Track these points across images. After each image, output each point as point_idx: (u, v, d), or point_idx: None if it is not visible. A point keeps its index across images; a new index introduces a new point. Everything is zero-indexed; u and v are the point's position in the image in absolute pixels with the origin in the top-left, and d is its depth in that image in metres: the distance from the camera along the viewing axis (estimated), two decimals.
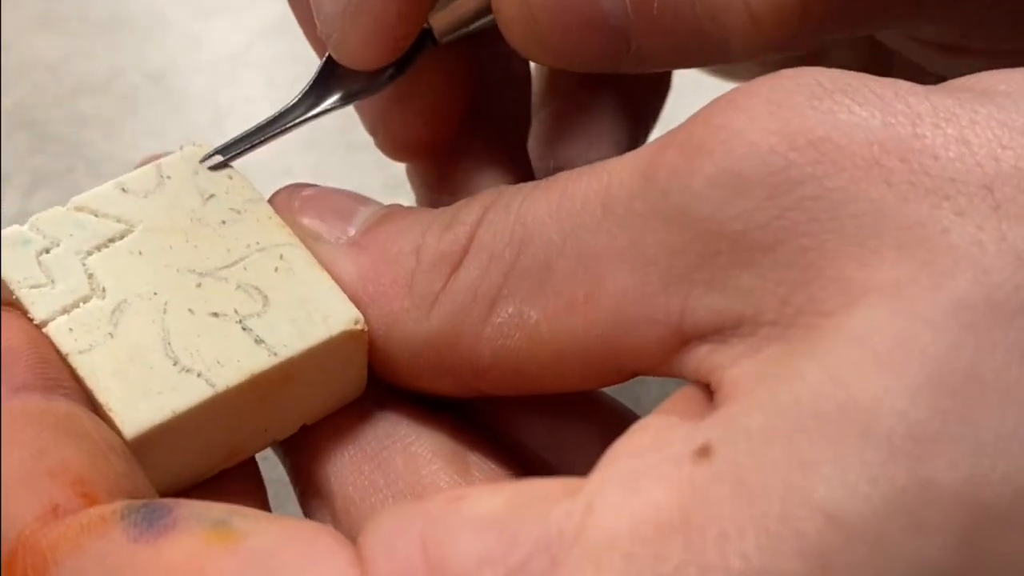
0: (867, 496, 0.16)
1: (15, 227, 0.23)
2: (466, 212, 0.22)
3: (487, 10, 0.26)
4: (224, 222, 0.24)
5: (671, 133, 0.20)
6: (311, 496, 0.24)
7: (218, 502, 0.19)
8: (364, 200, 0.25)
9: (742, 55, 0.24)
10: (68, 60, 0.49)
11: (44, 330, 0.22)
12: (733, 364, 0.19)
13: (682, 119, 0.20)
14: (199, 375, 0.22)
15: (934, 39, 0.26)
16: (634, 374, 0.21)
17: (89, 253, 0.23)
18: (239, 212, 0.24)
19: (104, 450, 0.20)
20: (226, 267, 0.23)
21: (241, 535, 0.18)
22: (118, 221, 0.24)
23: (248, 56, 0.50)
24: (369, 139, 0.29)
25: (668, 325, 0.19)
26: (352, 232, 0.24)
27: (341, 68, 0.26)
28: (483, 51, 0.28)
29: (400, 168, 0.30)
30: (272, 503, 0.24)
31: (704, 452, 0.17)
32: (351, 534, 0.19)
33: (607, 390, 0.24)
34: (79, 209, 0.24)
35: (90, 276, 0.23)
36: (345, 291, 0.23)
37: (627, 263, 0.20)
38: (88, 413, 0.21)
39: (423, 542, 0.17)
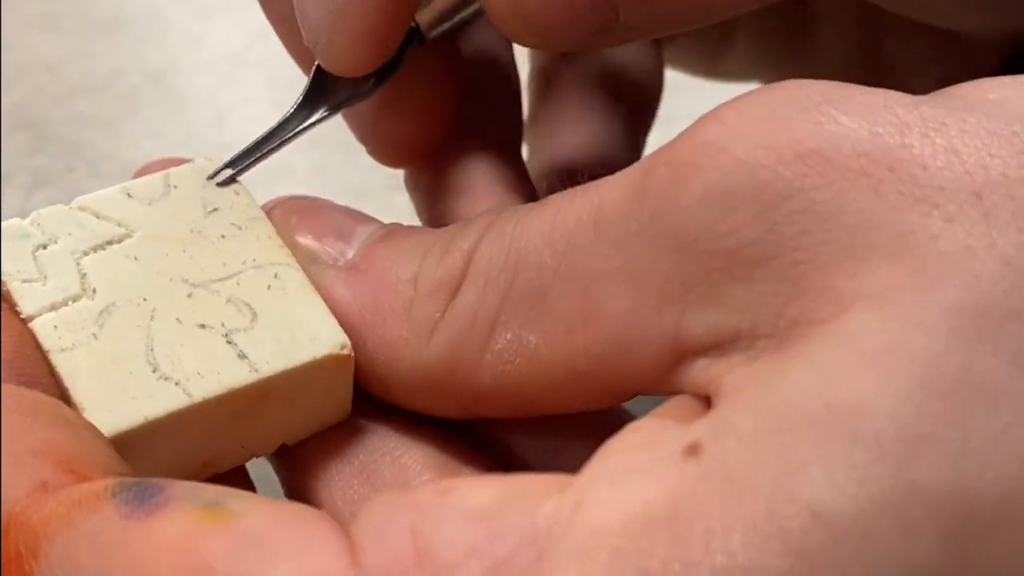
0: (854, 496, 0.16)
1: (15, 220, 0.23)
2: (462, 238, 0.22)
3: None
4: (223, 236, 0.24)
5: (660, 151, 0.20)
6: None
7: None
8: (362, 219, 0.25)
9: (726, 10, 0.24)
10: (68, 60, 0.49)
11: (30, 325, 0.22)
12: (729, 373, 0.19)
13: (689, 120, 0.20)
14: (177, 384, 0.22)
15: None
16: (634, 393, 0.21)
17: (85, 253, 0.23)
18: (240, 228, 0.24)
19: (87, 434, 0.20)
20: (219, 280, 0.23)
21: (233, 515, 0.18)
22: (119, 225, 0.24)
23: (248, 56, 0.50)
24: None
25: (665, 343, 0.20)
26: (350, 255, 0.24)
27: (331, 76, 0.26)
28: (470, 50, 0.28)
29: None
30: None
31: (693, 450, 0.17)
32: None
33: None
34: (81, 209, 0.24)
35: (83, 276, 0.23)
36: (343, 317, 0.23)
37: (622, 284, 0.20)
38: (66, 405, 0.21)
39: (412, 531, 0.18)
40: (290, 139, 0.26)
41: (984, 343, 0.17)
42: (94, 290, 0.23)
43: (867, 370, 0.17)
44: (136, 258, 0.23)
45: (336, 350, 0.23)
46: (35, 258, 0.23)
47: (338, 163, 0.44)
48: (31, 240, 0.23)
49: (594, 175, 0.21)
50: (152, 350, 0.22)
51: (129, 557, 0.18)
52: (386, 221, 0.26)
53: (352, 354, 0.23)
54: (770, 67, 0.36)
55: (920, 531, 0.16)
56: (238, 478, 0.23)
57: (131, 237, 0.24)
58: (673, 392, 0.20)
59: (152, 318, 0.23)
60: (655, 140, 0.45)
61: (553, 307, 0.21)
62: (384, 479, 0.23)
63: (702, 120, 0.20)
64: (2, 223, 0.23)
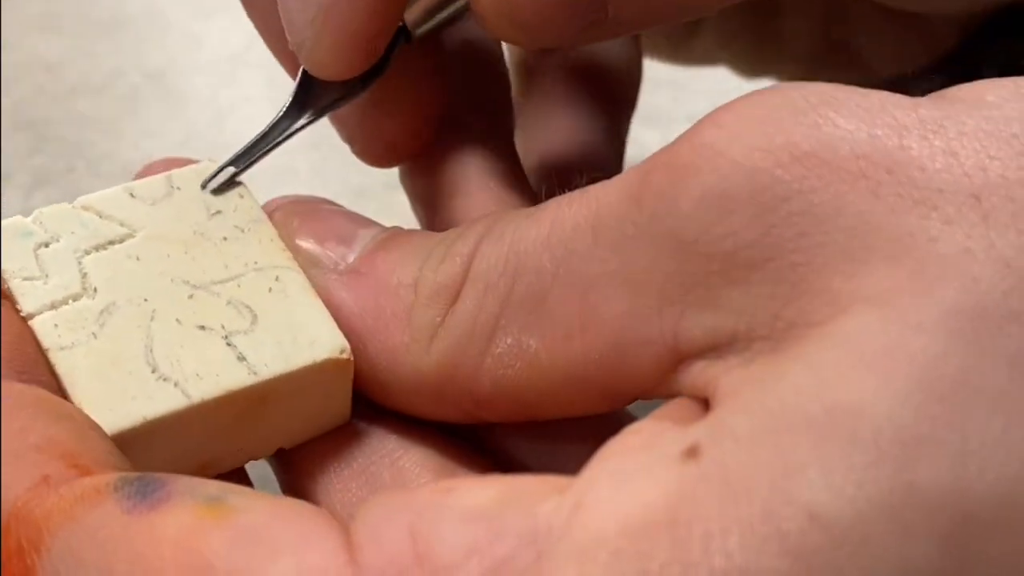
0: (852, 498, 0.16)
1: (18, 218, 0.23)
2: (462, 243, 0.22)
3: None
4: (226, 238, 0.24)
5: (658, 154, 0.20)
6: None
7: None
8: (362, 222, 0.25)
9: (714, 5, 0.23)
10: (68, 60, 0.49)
11: (30, 323, 0.22)
12: (726, 375, 0.19)
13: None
14: (176, 385, 0.22)
15: None
16: (634, 397, 0.21)
17: (87, 252, 0.23)
18: (243, 231, 0.24)
19: (88, 430, 0.20)
20: (220, 282, 0.23)
21: (234, 511, 0.18)
22: (121, 225, 0.24)
23: (248, 56, 0.50)
24: None
25: (664, 346, 0.20)
26: (351, 259, 0.24)
27: (316, 80, 0.26)
28: (456, 46, 0.28)
29: None
30: None
31: (692, 452, 0.17)
32: None
33: None
34: (84, 208, 0.24)
35: (84, 275, 0.23)
36: (344, 322, 0.23)
37: (620, 287, 0.20)
38: (68, 402, 0.21)
39: (411, 531, 0.18)
40: (279, 143, 0.26)
41: (983, 345, 0.17)
42: (95, 289, 0.23)
43: (865, 372, 0.17)
44: (138, 258, 0.23)
45: (336, 354, 0.23)
46: (36, 256, 0.23)
47: (339, 163, 0.44)
48: (33, 238, 0.23)
49: (591, 179, 0.21)
50: (152, 350, 0.22)
51: (130, 551, 0.18)
52: (387, 221, 0.26)
53: (352, 358, 0.23)
54: (737, 51, 0.36)
55: (918, 533, 0.16)
56: (237, 478, 0.23)
57: (133, 237, 0.24)
58: (672, 396, 0.20)
59: (152, 318, 0.23)
60: (655, 140, 0.45)
61: (552, 311, 0.21)
62: (383, 482, 0.23)
63: (700, 123, 0.20)
64: (3, 221, 0.23)
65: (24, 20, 0.51)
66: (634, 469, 0.18)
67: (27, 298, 0.22)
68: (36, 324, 0.22)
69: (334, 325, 0.23)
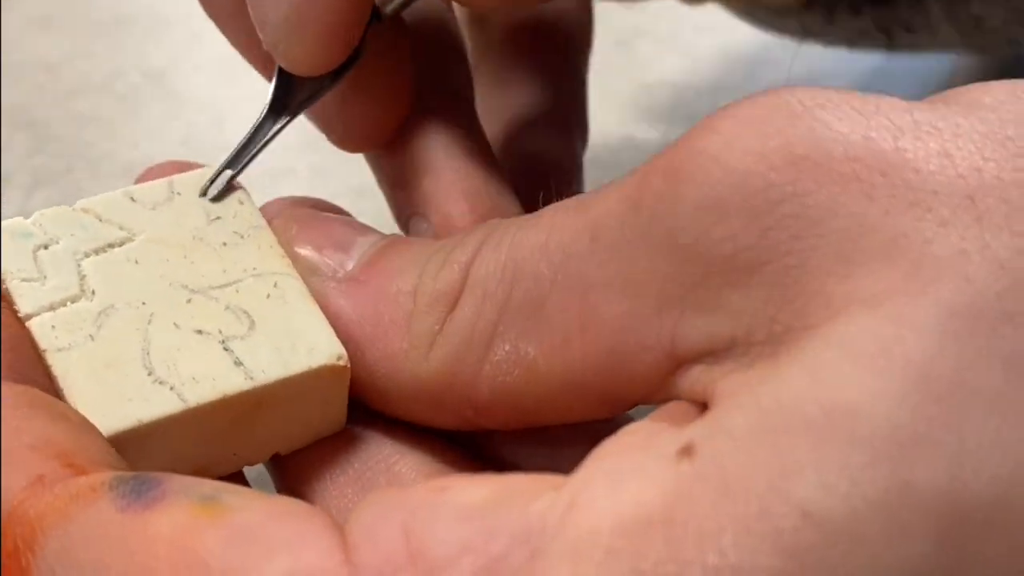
0: (847, 497, 0.16)
1: (18, 219, 0.24)
2: (460, 250, 0.22)
3: None
4: (225, 244, 0.24)
5: (654, 159, 0.20)
6: None
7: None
8: (361, 229, 0.25)
9: None
10: (68, 60, 0.49)
11: (27, 324, 0.22)
12: (723, 378, 0.19)
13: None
14: (172, 388, 0.22)
15: None
16: (633, 403, 0.21)
17: (86, 255, 0.23)
18: (242, 237, 0.24)
19: (83, 430, 0.20)
20: (219, 287, 0.23)
21: (229, 510, 0.18)
22: (120, 228, 0.24)
23: None
24: None
25: (662, 350, 0.20)
26: (350, 266, 0.24)
27: (293, 77, 0.26)
28: (414, 25, 0.28)
29: None
30: None
31: (687, 451, 0.17)
32: None
33: None
34: (84, 211, 0.24)
35: (82, 277, 0.23)
36: (343, 329, 0.23)
37: (618, 292, 0.20)
38: (63, 402, 0.21)
39: (405, 530, 0.18)
40: (266, 144, 0.26)
41: (978, 346, 0.17)
42: (93, 292, 0.23)
43: (861, 372, 0.17)
44: (137, 262, 0.23)
45: (333, 361, 0.23)
46: (35, 257, 0.23)
47: (338, 163, 0.44)
48: (32, 239, 0.23)
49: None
50: (148, 354, 0.22)
51: (125, 550, 0.18)
52: (387, 220, 0.26)
53: (348, 366, 0.23)
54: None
55: (914, 533, 0.16)
56: (233, 480, 0.23)
57: (132, 241, 0.24)
58: (671, 400, 0.20)
59: (150, 322, 0.23)
60: (655, 140, 0.45)
61: (550, 318, 0.21)
62: (379, 487, 0.23)
63: (696, 128, 0.20)
64: (3, 222, 0.23)
65: (24, 20, 0.51)
66: (629, 468, 0.18)
67: (25, 299, 0.22)
68: (34, 325, 0.22)
69: (332, 332, 0.23)
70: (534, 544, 0.17)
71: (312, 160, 0.44)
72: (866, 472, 0.16)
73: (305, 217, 0.25)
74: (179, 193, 0.25)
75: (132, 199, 0.24)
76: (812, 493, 0.16)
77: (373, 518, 0.18)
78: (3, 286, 0.23)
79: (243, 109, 0.47)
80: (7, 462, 0.19)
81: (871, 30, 0.36)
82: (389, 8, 0.26)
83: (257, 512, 0.18)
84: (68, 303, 0.23)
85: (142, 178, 0.26)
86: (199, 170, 0.25)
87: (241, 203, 0.25)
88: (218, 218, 0.25)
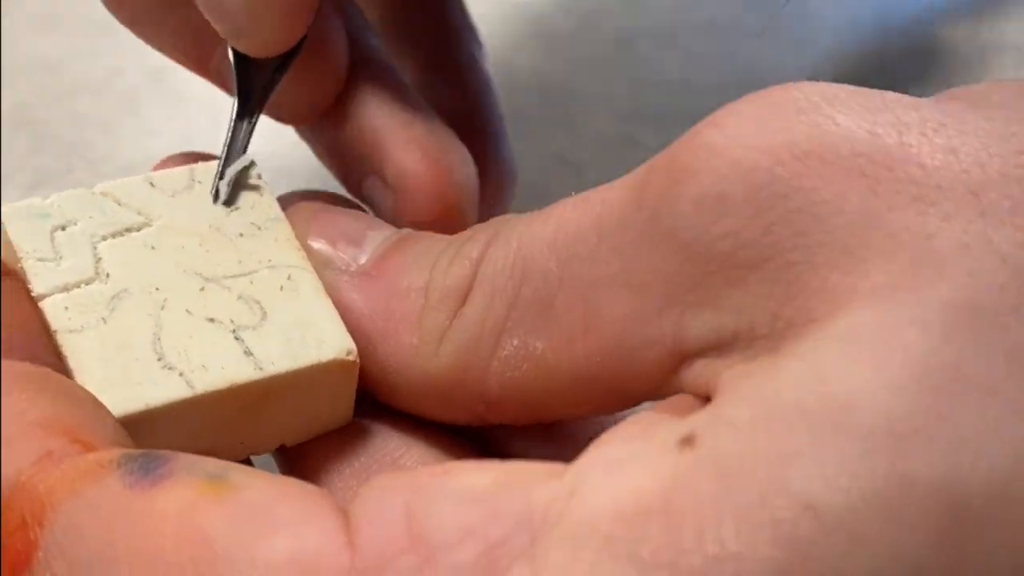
0: (845, 488, 0.16)
1: (36, 199, 0.24)
2: (470, 246, 0.23)
3: None
4: (242, 235, 0.24)
5: (659, 156, 0.20)
6: None
7: None
8: (374, 223, 0.25)
9: None
10: (68, 60, 0.49)
11: (40, 304, 0.22)
12: (727, 371, 0.19)
13: None
14: (181, 374, 0.22)
15: None
16: (641, 399, 0.21)
17: (103, 238, 0.24)
18: (259, 228, 0.25)
19: (92, 408, 0.20)
20: (233, 277, 0.24)
21: (234, 488, 0.18)
22: (138, 213, 0.24)
23: None
24: None
25: (666, 346, 0.20)
26: (362, 260, 0.24)
27: (247, 67, 0.26)
28: None
29: None
30: None
31: (688, 441, 0.17)
32: None
33: None
34: (103, 194, 0.24)
35: (98, 260, 0.23)
36: (354, 323, 0.23)
37: (623, 289, 0.20)
38: (70, 380, 0.21)
39: (407, 513, 0.18)
40: (248, 138, 0.26)
41: (979, 339, 0.17)
42: (107, 275, 0.23)
43: (860, 364, 0.17)
44: (153, 247, 0.24)
45: (342, 355, 0.23)
46: (52, 238, 0.23)
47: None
48: (50, 220, 0.24)
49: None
50: (160, 339, 0.22)
51: (131, 527, 0.18)
52: None
53: (358, 361, 0.23)
54: None
55: (911, 524, 0.16)
56: None
57: (150, 226, 0.24)
58: (676, 394, 0.20)
59: (163, 308, 0.23)
60: (655, 140, 0.45)
61: (558, 314, 0.21)
62: None
63: (701, 124, 0.20)
64: (22, 202, 0.24)
65: (24, 20, 0.51)
66: (630, 457, 0.18)
67: (39, 279, 0.23)
68: (47, 305, 0.22)
69: (343, 327, 0.23)
70: (535, 530, 0.17)
71: (311, 160, 0.44)
72: (865, 463, 0.16)
73: (319, 210, 0.25)
74: (200, 182, 0.25)
75: (152, 185, 0.25)
76: (811, 484, 0.16)
77: (376, 501, 0.18)
78: (18, 265, 0.23)
79: None
80: (16, 438, 0.19)
81: None
82: None
83: (262, 491, 0.18)
84: (82, 285, 0.23)
85: (161, 166, 0.26)
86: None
87: (260, 195, 0.25)
88: (237, 208, 0.25)
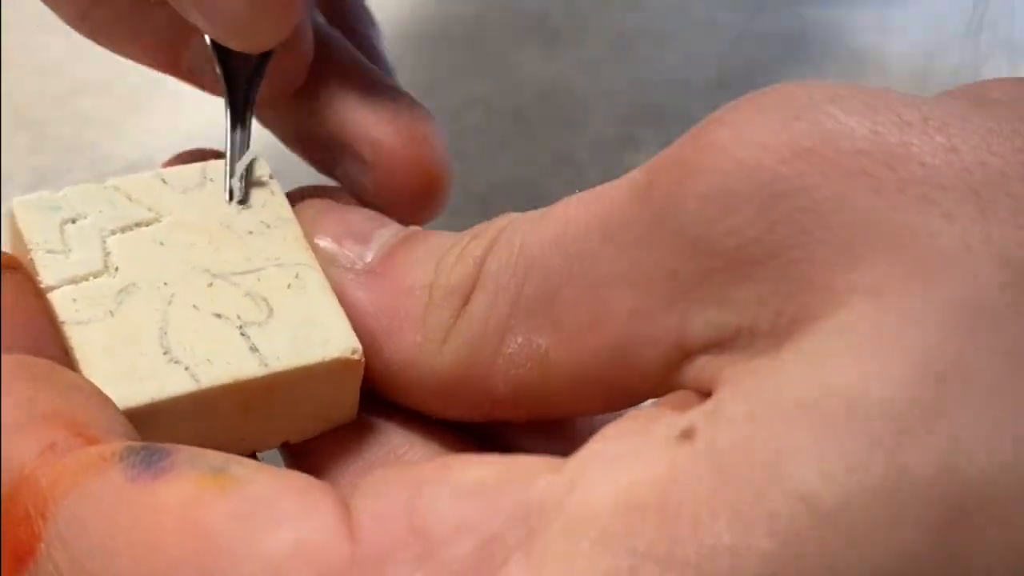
0: (842, 483, 0.16)
1: (47, 192, 0.24)
2: (475, 244, 0.23)
3: None
4: (251, 232, 0.24)
5: (664, 153, 0.20)
6: None
7: None
8: (380, 221, 0.25)
9: None
10: (68, 60, 0.49)
11: (48, 296, 0.22)
12: (729, 367, 0.19)
13: None
14: (186, 369, 0.22)
15: None
16: (645, 396, 0.21)
17: (112, 232, 0.24)
18: (268, 226, 0.25)
19: (96, 400, 0.20)
20: (241, 273, 0.24)
21: (236, 482, 0.18)
22: (149, 209, 0.24)
23: None
24: None
25: (670, 343, 0.20)
26: (368, 258, 0.24)
27: (232, 66, 0.26)
28: None
29: None
30: None
31: (687, 435, 0.18)
32: None
33: None
34: (115, 188, 0.24)
35: (107, 254, 0.23)
36: (360, 321, 0.23)
37: (627, 285, 0.20)
38: (75, 372, 0.21)
39: (407, 506, 0.18)
40: (248, 137, 0.26)
41: (978, 337, 0.17)
42: (116, 269, 0.23)
43: (860, 360, 0.17)
44: (162, 243, 0.24)
45: (347, 354, 0.23)
46: (62, 231, 0.23)
47: None
48: (60, 213, 0.24)
49: None
50: (166, 333, 0.22)
51: (133, 520, 0.18)
52: None
53: (362, 360, 0.23)
54: None
55: (908, 519, 0.16)
56: None
57: (159, 222, 0.24)
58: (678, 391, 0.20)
59: (170, 302, 0.23)
60: (655, 140, 0.45)
61: (561, 311, 0.21)
62: None
63: (705, 122, 0.20)
64: (33, 195, 0.24)
65: (24, 20, 0.51)
66: (629, 451, 0.18)
67: (48, 271, 0.23)
68: (55, 297, 0.22)
69: (348, 326, 0.23)
70: (532, 523, 0.17)
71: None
72: (862, 458, 0.16)
73: (325, 208, 0.25)
74: (211, 180, 0.25)
75: (163, 181, 0.25)
76: (808, 478, 0.16)
77: (377, 494, 0.18)
78: (28, 256, 0.23)
79: None
80: (20, 430, 0.19)
81: None
82: None
83: (264, 485, 0.18)
84: (91, 278, 0.23)
85: (171, 163, 0.26)
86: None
87: (272, 194, 0.25)
88: (247, 207, 0.25)
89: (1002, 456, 0.17)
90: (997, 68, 0.43)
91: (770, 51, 0.49)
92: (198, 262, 0.24)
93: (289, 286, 0.24)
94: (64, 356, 0.22)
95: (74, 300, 0.22)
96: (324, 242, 0.25)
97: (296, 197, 0.26)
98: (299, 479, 0.19)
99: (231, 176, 0.25)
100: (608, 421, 0.22)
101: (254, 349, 0.23)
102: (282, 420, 0.23)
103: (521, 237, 0.22)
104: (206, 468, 0.19)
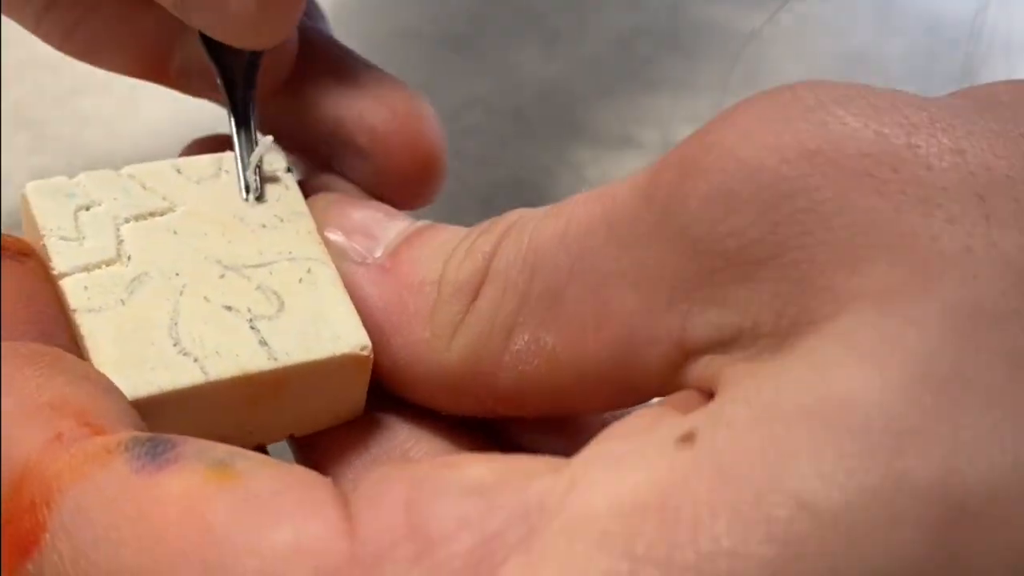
0: (842, 486, 0.16)
1: (62, 178, 0.24)
2: (483, 240, 0.23)
3: None
4: (264, 226, 0.25)
5: (669, 153, 0.20)
6: None
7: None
8: (391, 215, 0.25)
9: None
10: (68, 60, 0.49)
11: (60, 283, 0.22)
12: (730, 367, 0.19)
13: None
14: (195, 360, 0.22)
15: None
16: (648, 395, 0.21)
17: (126, 220, 0.24)
18: (282, 220, 0.25)
19: (104, 390, 0.20)
20: (253, 266, 0.24)
21: (239, 476, 0.18)
22: (163, 198, 0.24)
23: None
24: None
25: (672, 342, 0.20)
26: (378, 253, 0.24)
27: (228, 54, 0.26)
28: None
29: None
30: None
31: (688, 438, 0.18)
32: None
33: None
34: (130, 176, 0.24)
35: (120, 242, 0.23)
36: (368, 316, 0.23)
37: (631, 284, 0.20)
38: (84, 361, 0.21)
39: (407, 503, 0.18)
40: (254, 131, 0.26)
41: (980, 341, 0.17)
42: (129, 257, 0.23)
43: (860, 364, 0.17)
44: (175, 232, 0.24)
45: (356, 351, 0.23)
46: (76, 218, 0.23)
47: None
48: (74, 200, 0.24)
49: None
50: (176, 324, 0.22)
51: (136, 511, 0.18)
52: None
53: (371, 356, 0.23)
54: None
55: (908, 523, 0.16)
56: None
57: (173, 212, 0.24)
58: (680, 391, 0.20)
59: (181, 293, 0.23)
60: (655, 140, 0.45)
61: (568, 309, 0.21)
62: None
63: (711, 122, 0.20)
64: (46, 180, 0.24)
65: None
66: (629, 452, 0.18)
67: (61, 257, 0.23)
68: (66, 284, 0.22)
69: (359, 322, 0.23)
70: (532, 522, 0.17)
71: None
72: (862, 462, 0.16)
73: (336, 201, 0.25)
74: (227, 171, 0.25)
75: (178, 171, 0.25)
76: (808, 482, 0.16)
77: (377, 491, 0.18)
78: (41, 243, 0.23)
79: None
80: (27, 419, 0.19)
81: None
82: None
83: (266, 480, 0.18)
84: (103, 266, 0.23)
85: (187, 150, 0.26)
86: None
87: (287, 188, 0.25)
88: (263, 200, 0.25)
89: (1002, 458, 0.17)
90: (997, 68, 0.43)
91: (771, 51, 0.48)
92: (211, 253, 0.24)
93: (300, 280, 0.24)
94: (73, 344, 0.22)
95: (86, 288, 0.22)
96: (334, 236, 0.25)
97: (308, 189, 0.26)
98: (301, 474, 0.19)
99: (245, 169, 0.25)
100: (616, 418, 0.22)
101: (263, 343, 0.23)
102: (289, 414, 0.23)
103: (529, 234, 0.22)
104: (210, 461, 0.19)
